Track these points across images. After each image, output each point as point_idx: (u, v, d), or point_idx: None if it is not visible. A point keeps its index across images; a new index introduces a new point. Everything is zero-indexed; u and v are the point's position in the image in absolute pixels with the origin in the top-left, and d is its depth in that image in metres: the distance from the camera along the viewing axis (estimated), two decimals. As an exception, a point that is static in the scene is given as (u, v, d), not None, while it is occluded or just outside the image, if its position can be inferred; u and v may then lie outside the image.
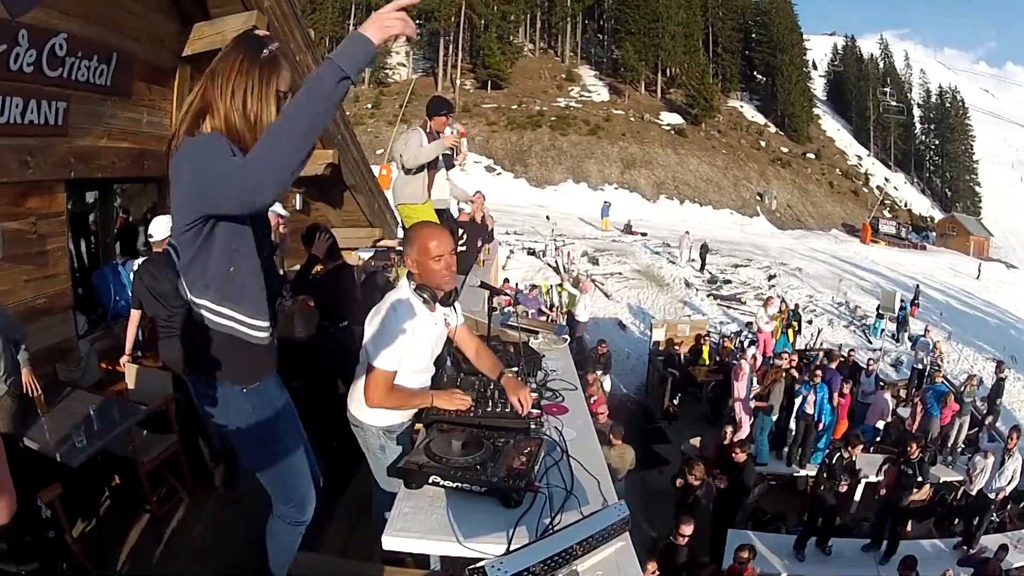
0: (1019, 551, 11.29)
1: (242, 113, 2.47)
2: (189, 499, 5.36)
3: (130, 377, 5.72)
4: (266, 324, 2.78)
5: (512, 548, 2.43)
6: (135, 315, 5.85)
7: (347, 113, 10.80)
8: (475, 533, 2.62)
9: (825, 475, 10.63)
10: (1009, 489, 11.54)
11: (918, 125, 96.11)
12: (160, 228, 5.84)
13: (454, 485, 2.85)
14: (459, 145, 7.77)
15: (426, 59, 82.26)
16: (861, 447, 10.94)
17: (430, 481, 2.88)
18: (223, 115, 2.47)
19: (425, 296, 3.47)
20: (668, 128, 76.78)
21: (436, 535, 2.66)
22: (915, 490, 11.22)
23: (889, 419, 15.06)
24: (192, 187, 2.38)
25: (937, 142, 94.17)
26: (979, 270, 49.63)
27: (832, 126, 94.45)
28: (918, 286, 36.71)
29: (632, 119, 76.45)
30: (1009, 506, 13.38)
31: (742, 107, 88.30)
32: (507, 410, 3.50)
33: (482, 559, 2.30)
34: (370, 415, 3.62)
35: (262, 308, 2.74)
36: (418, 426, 3.61)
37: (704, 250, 36.65)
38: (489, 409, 3.51)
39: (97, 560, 4.40)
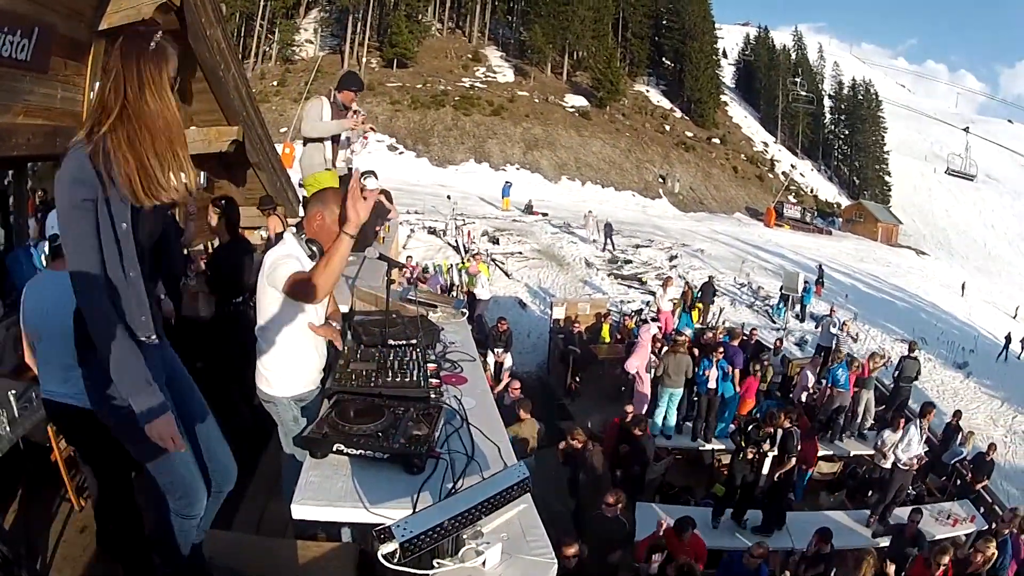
0: (940, 523, 11.72)
1: (139, 108, 2.51)
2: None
3: (45, 361, 5.54)
4: (147, 336, 2.79)
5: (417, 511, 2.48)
6: None
7: (253, 90, 10.68)
8: (380, 499, 2.68)
9: (743, 442, 10.91)
10: (915, 454, 11.67)
11: (828, 115, 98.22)
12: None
13: (357, 453, 2.89)
14: (361, 130, 7.80)
15: (333, 36, 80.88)
16: (787, 423, 11.23)
17: (334, 449, 2.93)
18: (121, 113, 2.50)
19: (315, 249, 3.60)
20: (572, 110, 77.19)
21: (343, 503, 2.71)
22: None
23: (814, 394, 15.33)
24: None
25: (847, 132, 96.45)
26: (963, 288, 48.79)
27: (739, 113, 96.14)
28: (821, 265, 37.89)
29: (536, 101, 76.70)
30: (929, 477, 13.95)
31: (648, 91, 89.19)
32: (407, 380, 3.56)
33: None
34: (280, 388, 3.72)
35: (139, 326, 2.73)
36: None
37: (608, 229, 37.06)
38: (389, 379, 3.56)
39: (28, 553, 4.34)
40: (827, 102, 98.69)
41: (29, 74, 6.38)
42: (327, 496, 2.75)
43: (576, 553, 7.77)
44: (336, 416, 3.13)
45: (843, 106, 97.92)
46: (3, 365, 5.99)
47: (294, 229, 3.76)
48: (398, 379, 3.57)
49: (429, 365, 3.78)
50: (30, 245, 7.35)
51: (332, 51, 78.72)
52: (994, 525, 11.35)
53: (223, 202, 6.26)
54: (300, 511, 2.73)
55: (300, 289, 3.48)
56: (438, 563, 2.36)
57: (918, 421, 11.93)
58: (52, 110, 6.83)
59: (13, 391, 4.49)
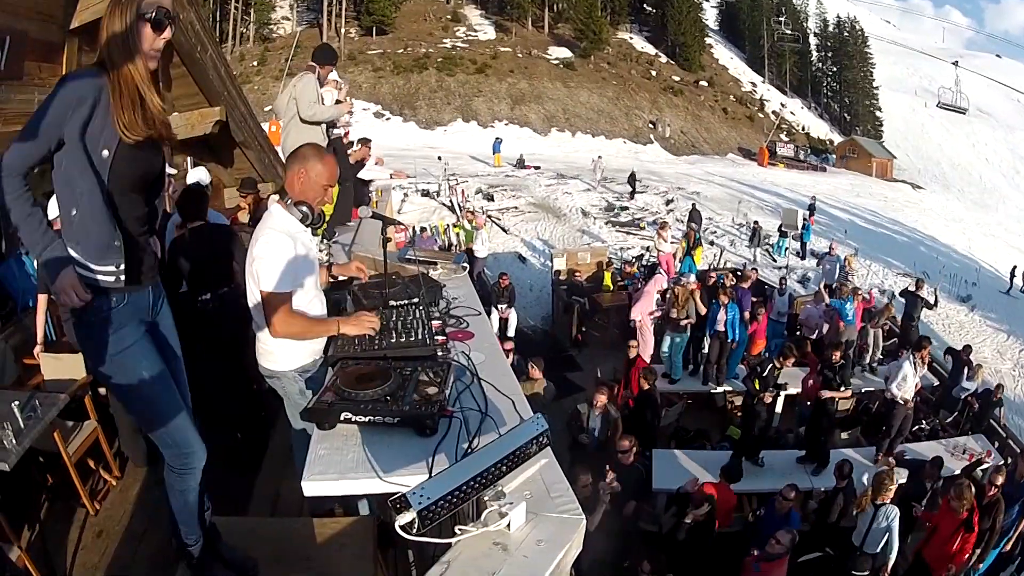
0: (956, 458, 11.63)
1: (114, 43, 2.72)
2: (119, 484, 5.20)
3: (45, 367, 5.45)
4: (111, 269, 2.82)
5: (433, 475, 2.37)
6: (42, 301, 5.65)
7: (232, 70, 10.60)
8: (394, 467, 2.57)
9: (757, 385, 10.84)
10: (911, 388, 11.72)
11: (815, 53, 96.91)
12: (54, 207, 5.52)
13: (366, 419, 2.78)
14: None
15: (310, 10, 79.94)
16: (793, 360, 11.16)
17: (342, 419, 2.81)
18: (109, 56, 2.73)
19: (304, 210, 3.47)
20: (556, 62, 76.59)
21: (355, 474, 2.60)
22: (838, 394, 11.47)
23: (824, 331, 15.22)
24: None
25: (835, 69, 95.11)
26: None
27: (725, 55, 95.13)
28: (813, 197, 37.65)
29: (520, 55, 76.11)
30: (940, 413, 13.94)
31: (632, 38, 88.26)
32: (412, 339, 3.47)
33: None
34: (283, 361, 3.59)
35: (105, 253, 2.79)
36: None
37: (632, 179, 37.39)
38: (394, 340, 3.47)
39: (49, 569, 4.27)
40: (813, 40, 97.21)
41: (4, 82, 6.31)
42: (338, 469, 2.64)
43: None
44: (341, 383, 3.00)
45: (829, 43, 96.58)
46: (4, 378, 5.89)
47: (277, 196, 3.62)
48: (402, 339, 3.47)
49: (434, 322, 3.68)
50: (21, 254, 7.26)
51: (310, 25, 77.94)
52: (1009, 460, 11.36)
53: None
54: (311, 487, 2.62)
55: (268, 308, 3.40)
56: (460, 529, 2.24)
57: (911, 355, 11.95)
58: (30, 115, 6.68)
59: (16, 402, 4.35)
